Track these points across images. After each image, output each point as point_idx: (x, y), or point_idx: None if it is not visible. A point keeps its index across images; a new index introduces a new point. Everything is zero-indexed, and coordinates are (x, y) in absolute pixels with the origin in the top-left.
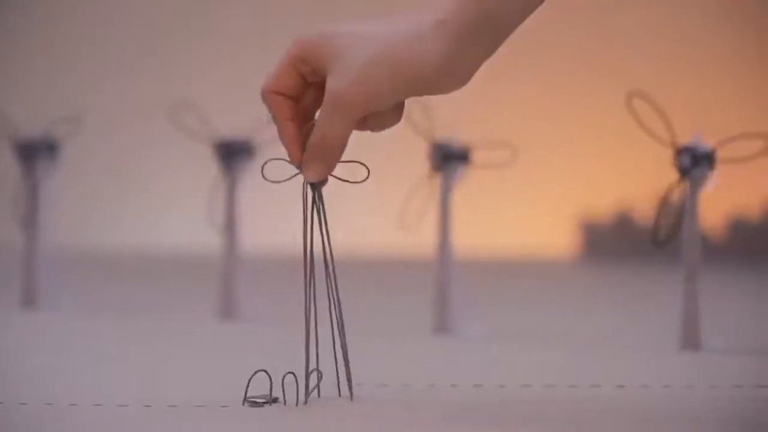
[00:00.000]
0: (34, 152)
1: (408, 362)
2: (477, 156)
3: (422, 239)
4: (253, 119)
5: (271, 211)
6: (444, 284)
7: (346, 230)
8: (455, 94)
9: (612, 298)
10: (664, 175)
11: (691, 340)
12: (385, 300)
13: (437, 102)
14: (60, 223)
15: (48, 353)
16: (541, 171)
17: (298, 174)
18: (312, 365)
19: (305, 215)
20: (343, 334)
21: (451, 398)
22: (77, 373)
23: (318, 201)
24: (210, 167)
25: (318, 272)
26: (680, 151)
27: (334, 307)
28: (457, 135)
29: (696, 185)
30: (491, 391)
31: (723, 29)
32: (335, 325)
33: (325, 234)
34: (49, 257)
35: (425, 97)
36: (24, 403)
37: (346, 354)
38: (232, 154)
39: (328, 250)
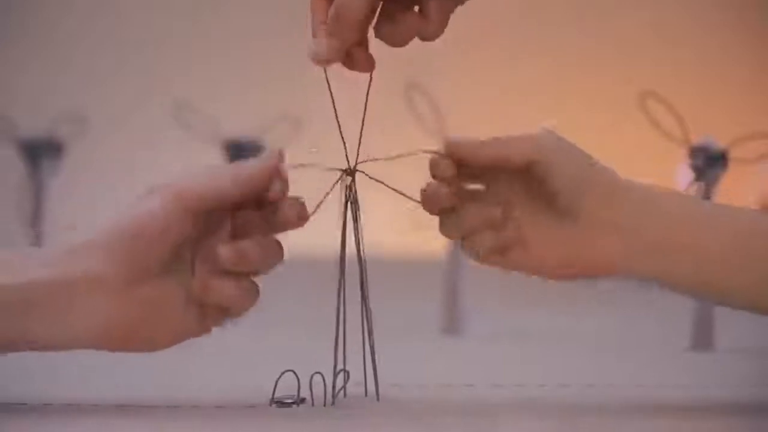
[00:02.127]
0: (39, 152)
1: (420, 362)
2: None
3: (432, 239)
4: (261, 119)
5: None
6: (453, 284)
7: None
8: (466, 95)
9: (624, 297)
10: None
11: (703, 340)
12: (393, 300)
13: (448, 103)
14: (65, 223)
15: (62, 355)
16: None
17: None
18: (337, 365)
19: (345, 217)
20: (371, 334)
21: (471, 398)
22: (95, 374)
23: (354, 204)
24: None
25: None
26: (693, 152)
27: (364, 308)
28: (470, 136)
29: (709, 185)
30: (510, 390)
31: (731, 29)
32: (364, 326)
33: (360, 235)
34: None
35: (436, 98)
36: (49, 404)
37: (374, 354)
38: (240, 153)
39: (362, 251)
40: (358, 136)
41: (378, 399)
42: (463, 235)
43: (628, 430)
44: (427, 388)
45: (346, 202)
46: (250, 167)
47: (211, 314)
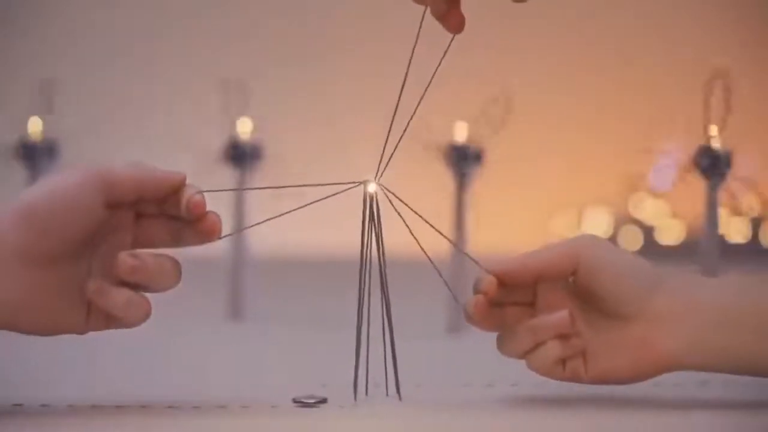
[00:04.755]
0: (36, 153)
1: (431, 362)
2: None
3: (434, 239)
4: (260, 121)
5: (280, 210)
6: (458, 283)
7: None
8: (469, 96)
9: None
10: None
11: None
12: (397, 300)
13: (450, 104)
14: None
15: (89, 357)
16: (554, 171)
17: None
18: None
19: (364, 222)
20: (392, 335)
21: (491, 397)
22: (115, 375)
23: (375, 210)
24: (217, 168)
25: (351, 275)
26: (699, 152)
27: (385, 310)
28: (473, 135)
29: (715, 185)
30: (529, 390)
31: (735, 30)
32: (384, 327)
33: (381, 242)
34: None
35: (439, 99)
36: (71, 405)
37: (395, 355)
38: (244, 155)
39: (382, 255)
40: (383, 147)
41: (400, 399)
42: (529, 348)
43: (644, 426)
44: (448, 388)
45: (367, 211)
46: (167, 170)
47: (96, 317)
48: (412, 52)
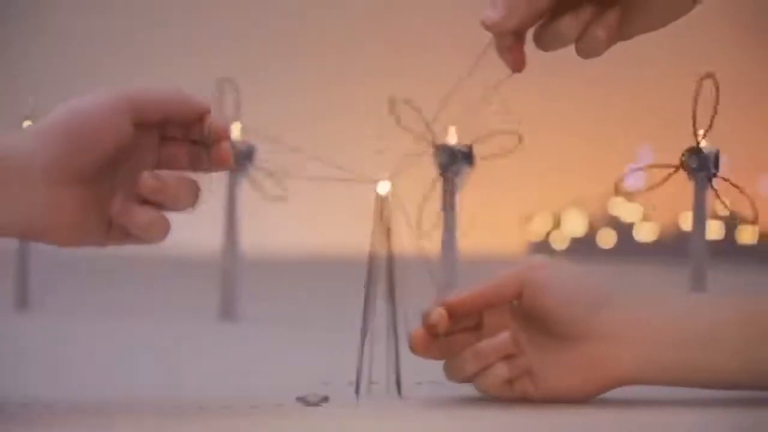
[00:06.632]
0: None
1: (432, 360)
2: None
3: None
4: (253, 121)
5: (272, 211)
6: (448, 284)
7: (354, 232)
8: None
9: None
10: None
11: None
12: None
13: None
14: None
15: (84, 357)
16: (547, 168)
17: None
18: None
19: (376, 220)
20: (396, 334)
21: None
22: (118, 375)
23: (388, 210)
24: None
25: (339, 275)
26: (688, 152)
27: (391, 309)
28: (460, 135)
29: (702, 185)
30: None
31: (730, 30)
32: (390, 326)
33: (390, 240)
34: (46, 258)
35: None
36: (75, 405)
37: (398, 353)
38: (234, 155)
39: (391, 254)
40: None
41: (401, 397)
42: (476, 372)
43: (642, 425)
44: (446, 386)
45: (382, 209)
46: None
47: (116, 233)
48: (472, 68)
